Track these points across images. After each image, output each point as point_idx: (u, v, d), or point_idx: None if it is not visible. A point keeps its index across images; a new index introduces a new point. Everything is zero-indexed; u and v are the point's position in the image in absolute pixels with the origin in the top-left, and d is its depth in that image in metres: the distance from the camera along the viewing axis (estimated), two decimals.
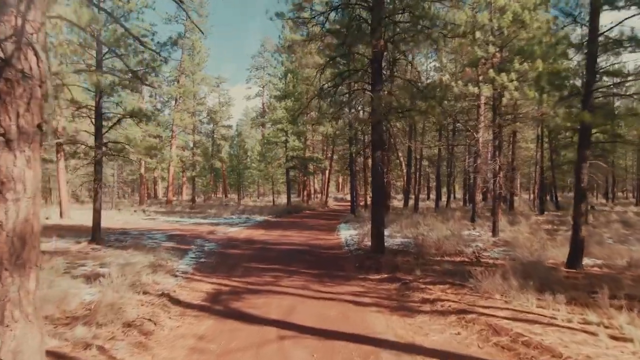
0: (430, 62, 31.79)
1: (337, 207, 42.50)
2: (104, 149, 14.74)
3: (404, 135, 30.18)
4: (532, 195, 49.06)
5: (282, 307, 6.73)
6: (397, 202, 38.05)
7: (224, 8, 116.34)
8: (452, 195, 33.91)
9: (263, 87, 53.66)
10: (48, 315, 5.93)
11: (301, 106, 28.53)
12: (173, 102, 42.13)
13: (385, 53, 10.90)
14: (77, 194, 52.73)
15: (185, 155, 39.46)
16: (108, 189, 46.92)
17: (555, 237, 13.77)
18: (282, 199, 46.76)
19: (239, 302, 7.08)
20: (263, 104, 53.85)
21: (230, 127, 53.20)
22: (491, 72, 14.08)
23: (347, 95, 11.74)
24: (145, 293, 7.29)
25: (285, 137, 32.53)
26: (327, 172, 46.18)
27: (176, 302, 7.00)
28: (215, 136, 54.62)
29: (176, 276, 8.98)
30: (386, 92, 9.79)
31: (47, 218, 23.65)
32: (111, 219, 24.12)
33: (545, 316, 5.92)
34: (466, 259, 10.71)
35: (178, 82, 40.91)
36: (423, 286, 7.74)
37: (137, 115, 13.70)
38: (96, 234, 13.70)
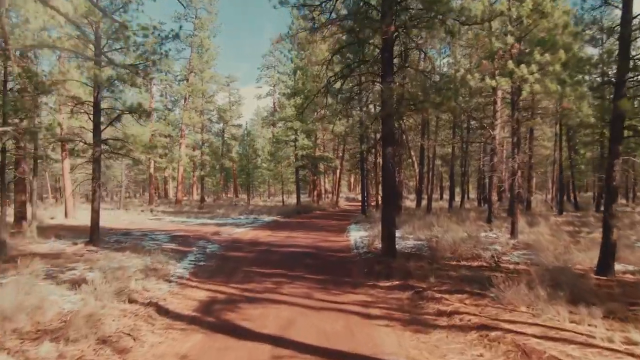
0: (443, 58, 30.90)
1: (348, 207, 41.72)
2: (103, 146, 14.22)
3: (417, 134, 29.30)
4: (548, 195, 47.80)
5: (280, 319, 6.02)
6: (409, 202, 37.17)
7: (239, 8, 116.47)
8: (466, 196, 32.88)
9: (274, 86, 52.99)
10: (17, 328, 5.30)
11: (306, 100, 27.81)
12: (182, 101, 41.86)
13: (396, 42, 10.14)
14: (87, 194, 52.63)
15: (194, 154, 38.96)
16: (116, 189, 46.82)
17: (579, 240, 12.88)
18: (293, 199, 46.12)
19: (233, 312, 6.39)
20: (274, 103, 53.27)
21: (240, 126, 52.78)
22: (510, 64, 13.24)
23: (356, 87, 10.95)
24: (131, 302, 6.64)
25: (295, 135, 31.85)
26: (337, 171, 45.42)
27: (164, 312, 6.33)
28: (225, 136, 54.35)
29: (170, 282, 8.32)
30: (397, 84, 9.04)
31: (52, 218, 23.31)
32: (117, 219, 23.72)
33: (581, 334, 5.12)
34: (484, 264, 9.90)
35: (187, 80, 40.57)
36: (438, 295, 6.96)
37: (137, 111, 13.10)
38: (94, 235, 13.13)
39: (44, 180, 42.27)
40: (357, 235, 16.02)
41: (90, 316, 5.69)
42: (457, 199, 36.76)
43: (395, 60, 10.34)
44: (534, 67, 12.87)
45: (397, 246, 10.93)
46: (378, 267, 9.57)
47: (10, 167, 15.30)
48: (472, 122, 30.05)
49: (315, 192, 41.44)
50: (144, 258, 10.50)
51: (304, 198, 46.26)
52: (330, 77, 10.89)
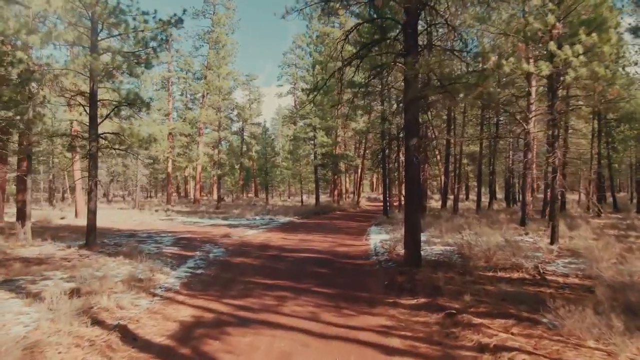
0: (474, 38, 28.92)
1: (369, 208, 40.22)
2: (102, 141, 13.17)
3: (441, 130, 27.62)
4: (581, 196, 45.23)
5: (272, 354, 4.69)
6: (434, 202, 35.42)
7: (262, 8, 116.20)
8: (494, 196, 30.96)
9: (294, 85, 51.87)
10: None
11: (326, 96, 26.46)
12: (201, 99, 41.12)
13: (420, 16, 8.71)
14: (105, 192, 52.53)
15: (212, 153, 38.04)
16: (133, 188, 46.22)
17: (631, 246, 11.22)
18: (312, 199, 44.85)
19: (217, 340, 5.09)
20: (295, 101, 52.10)
21: (259, 124, 51.83)
22: (552, 45, 11.62)
23: (374, 71, 9.52)
24: (95, 323, 5.42)
25: (313, 132, 30.53)
26: (359, 170, 43.94)
27: (130, 339, 5.07)
28: (244, 134, 53.45)
29: (154, 295, 7.09)
30: (423, 63, 7.60)
31: (62, 218, 22.61)
32: (128, 219, 22.86)
33: None
34: (527, 276, 8.37)
35: (205, 78, 39.80)
36: (477, 320, 5.51)
37: (134, 103, 11.99)
38: (90, 237, 12.07)
39: (63, 179, 42.02)
40: (377, 239, 14.60)
41: (35, 345, 4.50)
42: (483, 199, 34.87)
43: (421, 34, 8.88)
44: (579, 48, 11.26)
45: (422, 252, 9.49)
46: (400, 278, 8.14)
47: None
48: (501, 118, 28.27)
49: (336, 192, 40.04)
50: (135, 265, 9.37)
51: (324, 198, 44.92)
52: (346, 59, 9.51)
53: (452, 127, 27.66)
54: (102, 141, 13.14)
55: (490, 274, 8.48)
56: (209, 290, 7.54)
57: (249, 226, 19.97)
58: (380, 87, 23.46)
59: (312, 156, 32.89)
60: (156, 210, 29.99)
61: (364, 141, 42.91)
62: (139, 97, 11.99)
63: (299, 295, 7.17)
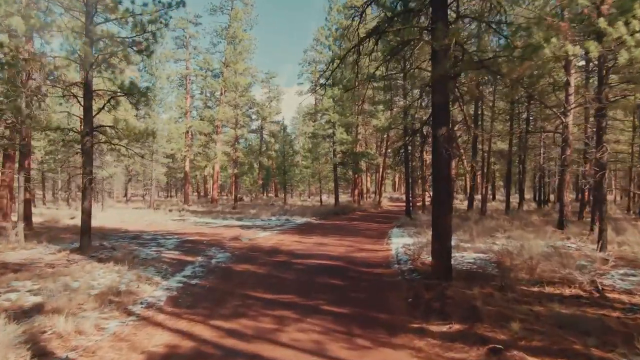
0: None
1: (391, 208, 38.68)
2: (102, 137, 12.17)
3: (469, 125, 25.91)
4: (617, 196, 42.74)
5: None
6: (457, 202, 33.59)
7: (285, 10, 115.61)
8: (523, 196, 29.02)
9: (315, 82, 50.67)
10: None
11: (346, 91, 25.07)
12: (218, 97, 40.33)
13: None
14: (128, 190, 52.39)
15: (228, 151, 37.09)
16: (146, 188, 45.67)
17: None
18: (332, 199, 43.53)
19: None
20: (315, 99, 50.89)
21: (279, 122, 50.82)
22: (602, 22, 10.08)
23: (395, 48, 8.14)
24: (39, 357, 4.26)
25: (333, 129, 29.18)
26: (380, 169, 42.42)
27: None
28: (263, 133, 52.50)
29: (130, 314, 5.91)
30: (454, 33, 6.24)
31: (72, 218, 21.88)
32: (139, 219, 22.03)
33: None
34: (581, 293, 6.92)
35: (222, 75, 38.97)
36: None
37: (130, 92, 10.92)
38: (84, 240, 11.07)
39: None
40: (399, 243, 13.23)
41: None
42: (512, 199, 32.92)
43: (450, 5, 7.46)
44: (636, 24, 9.69)
45: (452, 261, 8.10)
46: (427, 294, 6.78)
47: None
48: (532, 113, 26.43)
49: (356, 192, 38.60)
50: (124, 273, 8.27)
51: (345, 198, 43.55)
52: (364, 36, 8.19)
53: (480, 122, 25.97)
54: (101, 136, 12.16)
55: (536, 289, 7.05)
56: (197, 307, 6.34)
57: (263, 227, 18.81)
58: (402, 72, 21.99)
59: (331, 154, 31.56)
60: (170, 210, 29.18)
61: (385, 138, 41.45)
62: (136, 87, 10.90)
63: (303, 315, 5.89)
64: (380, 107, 31.17)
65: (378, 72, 26.03)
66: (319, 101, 38.83)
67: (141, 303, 6.47)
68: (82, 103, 10.97)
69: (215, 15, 44.70)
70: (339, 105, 28.89)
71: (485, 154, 27.55)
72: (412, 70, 21.16)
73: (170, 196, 67.17)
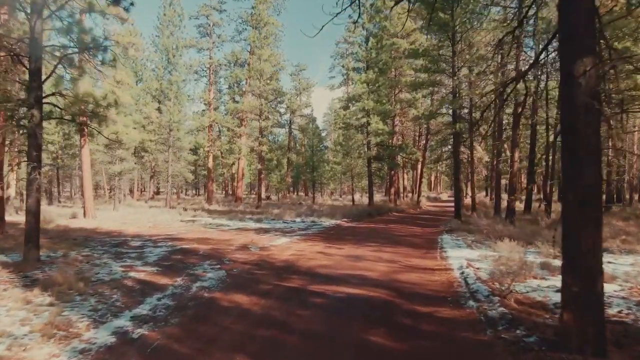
0: None
1: (431, 209, 34.82)
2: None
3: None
4: None
5: None
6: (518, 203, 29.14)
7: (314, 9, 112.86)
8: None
9: (347, 75, 47.13)
10: None
11: (381, 74, 21.42)
12: (244, 87, 37.39)
13: None
14: (149, 188, 50.37)
15: (252, 145, 33.97)
16: (177, 184, 42.86)
17: None
18: (366, 199, 39.94)
19: None
20: (347, 93, 47.40)
21: (308, 116, 47.66)
22: None
23: None
24: None
25: (367, 118, 25.55)
26: (419, 165, 38.51)
27: None
28: (292, 127, 49.37)
29: None
30: None
31: (72, 217, 19.28)
32: (144, 221, 19.16)
33: None
34: None
35: (248, 64, 36.01)
36: None
37: (93, 50, 7.80)
38: (29, 251, 8.09)
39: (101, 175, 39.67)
40: (459, 257, 9.65)
41: None
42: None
43: None
44: None
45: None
46: None
47: None
48: None
49: (392, 190, 34.75)
50: (41, 311, 5.19)
51: (379, 197, 39.85)
52: None
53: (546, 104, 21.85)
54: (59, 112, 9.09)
55: None
56: None
57: (283, 232, 15.54)
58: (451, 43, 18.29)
59: (364, 148, 27.97)
60: (185, 209, 26.33)
61: (423, 131, 37.58)
62: (95, 41, 7.77)
63: None
64: (422, 92, 27.48)
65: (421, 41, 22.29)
66: (352, 90, 35.42)
67: None
68: (28, 64, 7.94)
69: (241, 0, 41.79)
70: (373, 92, 25.28)
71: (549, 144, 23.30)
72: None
73: (198, 194, 65.12)
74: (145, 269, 8.34)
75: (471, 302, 5.99)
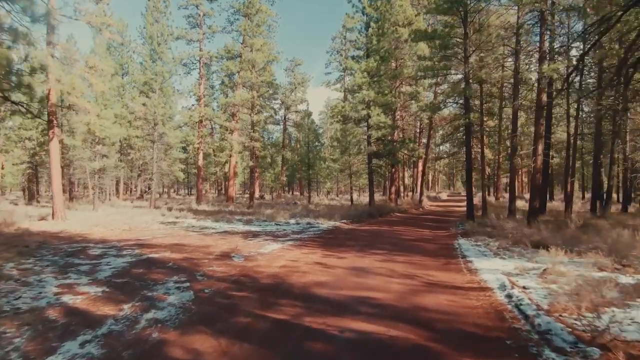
0: None
1: (434, 209, 32.93)
2: None
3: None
4: None
5: None
6: (520, 203, 27.28)
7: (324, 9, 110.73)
8: (611, 194, 22.63)
9: (344, 71, 45.04)
10: None
11: (383, 62, 19.40)
12: (236, 80, 35.27)
13: None
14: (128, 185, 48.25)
15: (243, 141, 31.85)
16: (167, 184, 40.29)
17: None
18: (364, 198, 37.91)
19: None
20: (344, 89, 45.34)
21: (305, 111, 45.60)
22: None
23: None
24: None
25: (367, 110, 23.50)
26: (420, 163, 36.57)
27: None
28: (287, 124, 47.35)
29: None
30: None
31: (41, 219, 17.17)
32: (119, 223, 17.01)
33: None
34: None
35: (240, 56, 33.90)
36: None
37: None
38: None
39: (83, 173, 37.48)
40: (492, 269, 7.69)
41: None
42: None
43: None
44: None
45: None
46: None
47: None
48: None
49: (393, 189, 32.72)
50: None
51: (378, 197, 37.85)
52: None
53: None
54: None
55: None
56: None
57: (275, 236, 13.53)
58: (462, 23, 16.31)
59: (364, 143, 25.95)
60: (170, 210, 24.25)
61: (423, 126, 35.67)
62: None
63: None
64: (425, 84, 25.55)
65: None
66: (351, 80, 33.36)
67: None
68: None
69: None
70: (375, 82, 23.25)
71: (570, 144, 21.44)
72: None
73: (190, 194, 62.94)
74: (89, 290, 6.32)
75: (548, 353, 3.99)
